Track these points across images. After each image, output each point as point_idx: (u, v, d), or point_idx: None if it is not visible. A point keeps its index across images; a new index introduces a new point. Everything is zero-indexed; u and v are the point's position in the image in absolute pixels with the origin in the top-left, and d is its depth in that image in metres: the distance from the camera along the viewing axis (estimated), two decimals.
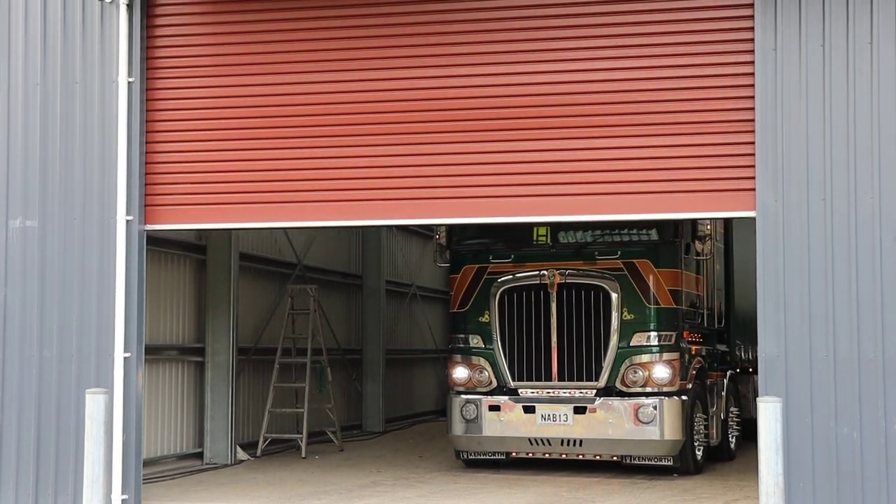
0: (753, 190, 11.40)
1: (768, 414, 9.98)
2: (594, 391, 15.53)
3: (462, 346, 16.28)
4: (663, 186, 11.72)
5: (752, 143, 11.41)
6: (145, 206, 12.79)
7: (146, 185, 12.80)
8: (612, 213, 12.04)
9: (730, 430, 17.56)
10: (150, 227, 12.85)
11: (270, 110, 12.65)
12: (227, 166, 12.71)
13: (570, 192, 11.97)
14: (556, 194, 12.01)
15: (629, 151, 11.83)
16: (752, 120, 11.41)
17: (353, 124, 12.45)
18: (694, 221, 15.91)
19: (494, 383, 16.00)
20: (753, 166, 11.39)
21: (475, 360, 16.12)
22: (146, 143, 12.82)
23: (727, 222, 17.89)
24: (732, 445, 17.69)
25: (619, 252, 15.70)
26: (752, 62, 11.43)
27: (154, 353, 16.27)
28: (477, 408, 15.99)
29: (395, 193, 12.35)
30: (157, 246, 16.42)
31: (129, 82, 12.66)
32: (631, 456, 15.57)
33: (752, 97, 11.43)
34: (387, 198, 12.37)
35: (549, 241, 16.12)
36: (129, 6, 12.69)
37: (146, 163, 12.82)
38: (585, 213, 12.09)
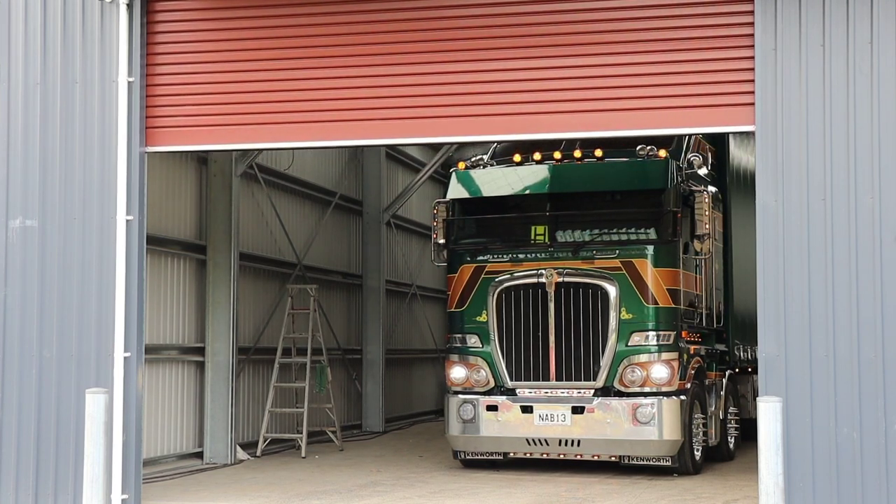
0: (752, 105, 11.46)
1: (768, 414, 9.98)
2: (592, 391, 15.53)
3: (459, 345, 16.26)
4: (665, 102, 11.80)
5: (751, 57, 11.48)
6: (146, 128, 12.80)
7: (147, 107, 12.82)
8: (615, 130, 12.11)
9: (729, 431, 17.54)
10: (150, 148, 12.87)
11: (271, 32, 12.72)
12: (228, 87, 12.75)
13: (571, 110, 12.04)
14: (555, 111, 12.07)
15: (632, 68, 11.90)
16: (752, 36, 11.49)
17: (357, 44, 12.50)
18: (693, 220, 15.88)
19: (492, 383, 15.99)
20: (752, 81, 11.46)
21: (473, 359, 16.11)
22: (147, 66, 12.83)
23: (726, 221, 17.84)
24: (731, 446, 17.67)
25: (617, 251, 15.69)
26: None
27: (154, 353, 16.28)
28: (474, 408, 15.98)
29: (396, 113, 12.41)
30: (157, 246, 16.45)
31: (129, 82, 12.67)
32: (629, 456, 15.55)
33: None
34: (390, 117, 12.43)
35: (546, 240, 16.11)
36: (129, 6, 12.70)
37: (147, 85, 12.82)
38: (587, 130, 12.22)
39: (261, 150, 18.37)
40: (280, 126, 12.68)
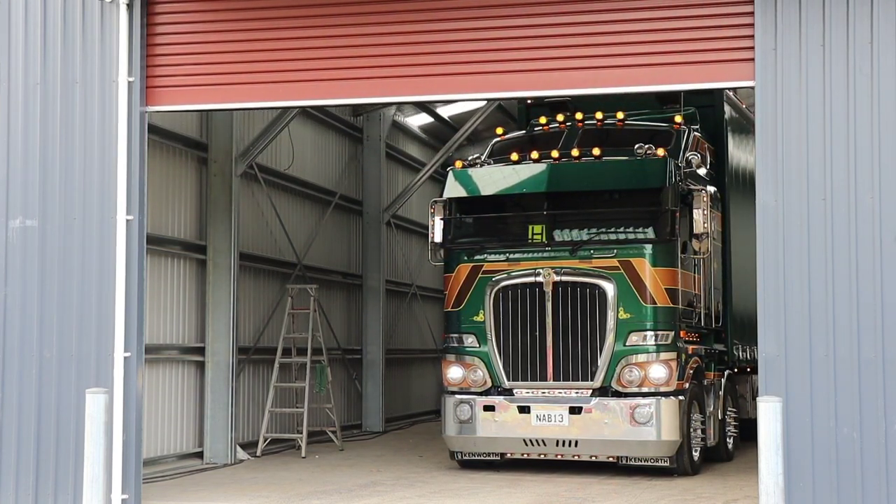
0: (752, 60, 11.47)
1: (768, 414, 9.98)
2: (590, 391, 15.48)
3: (456, 345, 16.20)
4: (665, 59, 11.83)
5: (752, 13, 11.51)
6: (146, 88, 12.82)
7: (147, 67, 12.84)
8: (613, 87, 12.15)
9: (727, 431, 17.52)
10: (151, 108, 12.89)
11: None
12: (228, 46, 12.79)
13: (571, 67, 12.04)
14: (555, 69, 12.08)
15: (632, 24, 11.93)
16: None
17: (352, 3, 12.53)
18: (691, 219, 15.85)
19: (489, 383, 15.94)
20: (752, 36, 11.47)
21: (469, 359, 16.06)
22: (147, 25, 12.84)
23: (725, 221, 17.82)
24: (730, 446, 17.63)
25: (615, 251, 15.63)
26: None
27: (154, 353, 16.28)
28: (471, 408, 15.93)
29: (393, 71, 12.42)
30: (157, 246, 16.45)
31: (129, 82, 12.68)
32: (627, 457, 15.52)
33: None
34: (386, 76, 12.44)
35: (544, 239, 16.05)
36: (129, 6, 12.71)
37: (147, 45, 12.84)
38: (586, 87, 12.21)
39: (261, 149, 18.42)
40: (279, 85, 12.68)
